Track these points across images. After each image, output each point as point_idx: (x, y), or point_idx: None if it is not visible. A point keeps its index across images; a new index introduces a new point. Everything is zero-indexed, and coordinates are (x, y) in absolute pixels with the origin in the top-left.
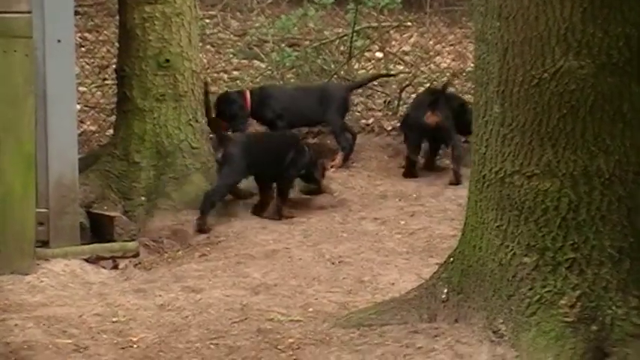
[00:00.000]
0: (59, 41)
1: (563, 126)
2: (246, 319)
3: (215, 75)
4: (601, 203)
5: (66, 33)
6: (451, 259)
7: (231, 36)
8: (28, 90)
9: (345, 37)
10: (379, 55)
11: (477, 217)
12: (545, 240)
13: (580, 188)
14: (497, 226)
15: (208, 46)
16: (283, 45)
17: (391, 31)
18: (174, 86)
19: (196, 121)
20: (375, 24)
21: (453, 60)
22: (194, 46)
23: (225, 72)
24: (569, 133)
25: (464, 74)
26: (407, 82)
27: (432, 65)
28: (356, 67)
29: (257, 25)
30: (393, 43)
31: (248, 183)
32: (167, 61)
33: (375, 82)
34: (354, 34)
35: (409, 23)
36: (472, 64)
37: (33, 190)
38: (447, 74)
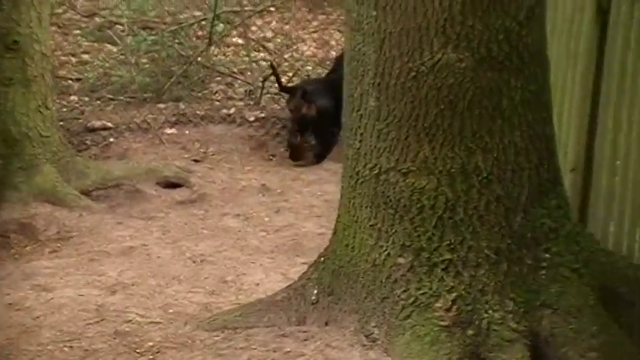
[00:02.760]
0: None
1: (441, 121)
2: (102, 320)
3: (63, 58)
4: (479, 202)
5: None
6: (322, 258)
7: (79, 16)
8: None
9: (204, 22)
10: (239, 41)
11: (349, 215)
12: (420, 240)
13: (457, 186)
14: (371, 225)
15: (54, 27)
16: (135, 27)
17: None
18: (22, 70)
19: (46, 107)
20: (237, 8)
21: (317, 48)
22: (45, 28)
23: (74, 55)
24: (447, 128)
25: (328, 62)
26: (267, 75)
27: (294, 53)
28: (215, 52)
29: (110, 5)
30: (253, 28)
31: None
32: (15, 42)
33: (235, 69)
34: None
35: (272, 8)
36: (334, 52)
37: None
38: (311, 62)
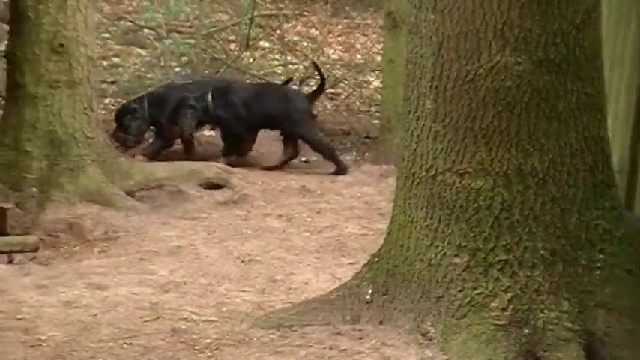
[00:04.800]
0: None
1: (498, 123)
2: (157, 317)
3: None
4: (534, 203)
5: None
6: (376, 258)
7: (105, 20)
8: None
9: (235, 26)
10: (266, 44)
11: (405, 216)
12: (476, 240)
13: (513, 188)
14: (427, 225)
15: None
16: (162, 31)
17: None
18: (69, 72)
19: (91, 109)
20: (269, 12)
21: (342, 51)
22: (90, 31)
23: (104, 58)
24: (504, 130)
25: (353, 66)
26: (306, 75)
27: (321, 57)
28: (244, 56)
29: (137, 9)
30: (278, 32)
31: None
32: (62, 45)
33: (266, 73)
34: (245, 22)
35: (306, 13)
36: (360, 56)
37: None
38: (338, 65)
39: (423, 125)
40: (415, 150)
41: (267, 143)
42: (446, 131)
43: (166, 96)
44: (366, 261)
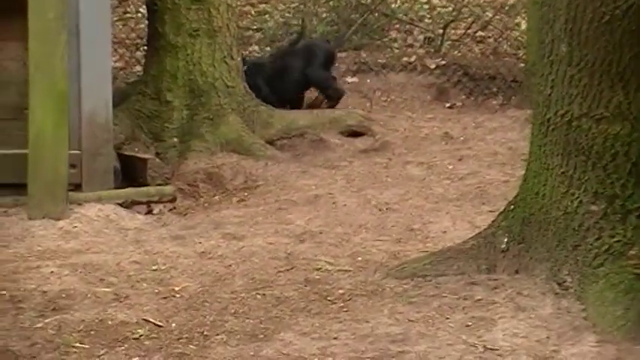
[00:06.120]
0: None
1: (635, 66)
2: (292, 268)
3: (242, 9)
4: None
5: None
6: (511, 206)
7: None
8: (60, 25)
9: None
10: None
11: (540, 163)
12: (614, 187)
13: None
14: (563, 172)
15: None
16: None
17: None
18: (208, 21)
19: (231, 58)
20: None
21: None
22: None
23: (252, 5)
24: None
25: (505, 8)
26: (451, 19)
27: None
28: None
29: None
30: None
31: None
32: None
33: (414, 17)
34: None
35: None
36: None
37: (65, 130)
38: (488, 9)
39: (558, 69)
40: (550, 95)
41: None
42: (581, 75)
43: None
44: None
